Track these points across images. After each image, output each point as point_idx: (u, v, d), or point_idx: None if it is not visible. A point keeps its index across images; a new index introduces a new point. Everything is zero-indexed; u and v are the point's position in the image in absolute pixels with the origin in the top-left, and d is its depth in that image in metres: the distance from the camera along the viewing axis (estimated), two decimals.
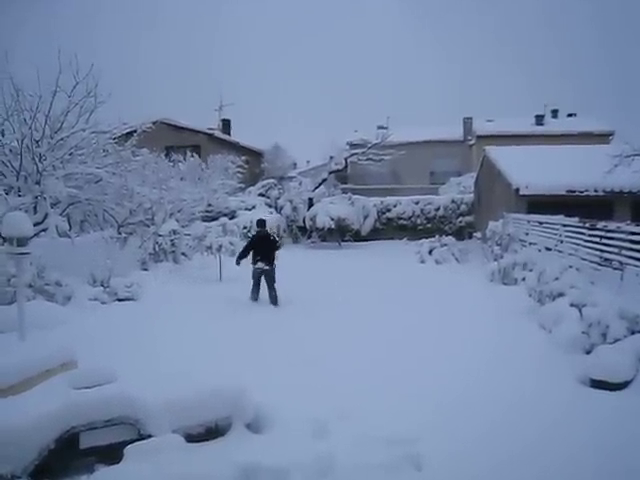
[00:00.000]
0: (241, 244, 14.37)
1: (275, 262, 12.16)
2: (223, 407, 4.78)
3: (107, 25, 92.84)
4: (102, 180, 14.06)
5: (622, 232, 11.27)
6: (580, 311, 7.55)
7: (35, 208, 12.97)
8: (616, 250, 11.29)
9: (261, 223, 12.95)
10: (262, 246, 12.27)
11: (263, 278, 12.02)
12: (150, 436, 4.27)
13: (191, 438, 4.45)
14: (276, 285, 11.95)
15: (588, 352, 6.96)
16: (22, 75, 13.00)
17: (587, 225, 12.83)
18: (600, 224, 12.23)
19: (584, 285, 9.07)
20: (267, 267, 11.98)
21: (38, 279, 10.79)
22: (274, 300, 11.82)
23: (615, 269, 11.14)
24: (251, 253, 12.33)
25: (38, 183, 12.89)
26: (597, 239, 12.17)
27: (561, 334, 7.69)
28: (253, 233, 14.92)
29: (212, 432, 4.71)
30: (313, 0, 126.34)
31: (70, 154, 13.78)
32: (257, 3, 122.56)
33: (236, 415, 4.84)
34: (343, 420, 5.15)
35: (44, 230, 12.57)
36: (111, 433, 4.31)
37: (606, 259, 11.65)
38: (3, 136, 13.16)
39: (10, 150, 12.97)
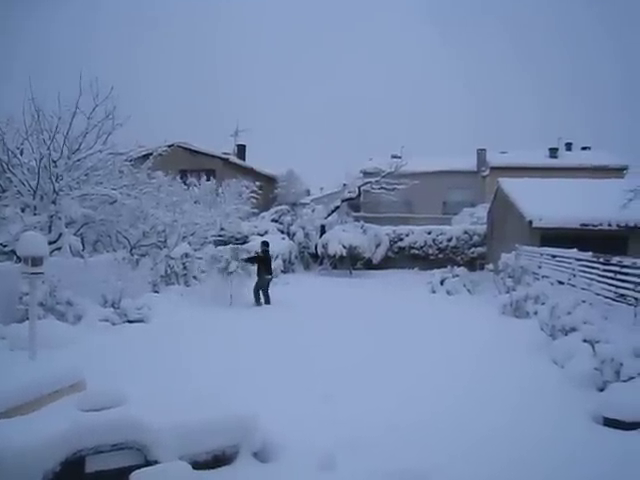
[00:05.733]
0: (253, 268, 16.06)
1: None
2: (231, 435, 4.73)
3: (125, 50, 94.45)
4: (117, 201, 14.18)
5: (638, 268, 11.15)
6: (593, 347, 7.45)
7: (50, 227, 13.08)
8: (631, 286, 11.17)
9: (266, 244, 16.38)
10: (266, 262, 15.81)
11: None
12: (156, 462, 4.21)
13: (198, 465, 4.38)
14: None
15: (601, 389, 6.85)
16: (43, 95, 13.25)
17: (601, 260, 12.72)
18: (615, 259, 12.13)
19: (597, 321, 8.97)
20: (271, 276, 15.90)
21: (50, 298, 10.83)
22: (268, 300, 15.39)
23: (630, 305, 11.01)
24: (257, 268, 15.64)
25: (54, 202, 13.03)
26: (611, 274, 12.06)
27: (573, 370, 7.57)
28: (258, 251, 16.66)
29: (219, 460, 4.64)
30: (329, 29, 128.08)
31: (86, 175, 13.95)
32: (274, 31, 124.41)
33: (244, 443, 4.77)
34: (352, 451, 5.07)
35: (58, 249, 12.66)
36: (117, 458, 4.26)
37: (621, 295, 11.52)
38: (22, 155, 13.34)
39: (28, 169, 13.15)
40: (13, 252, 11.74)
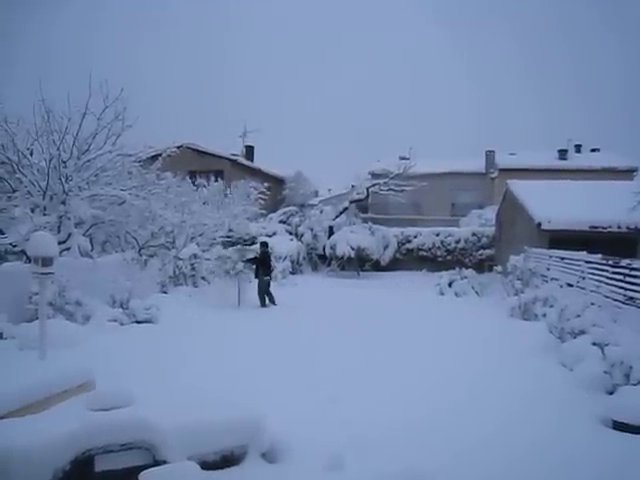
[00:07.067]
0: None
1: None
2: (239, 435, 4.73)
3: (131, 51, 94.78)
4: (126, 202, 14.22)
5: None
6: (602, 350, 7.42)
7: (59, 227, 13.14)
8: None
9: (264, 244, 16.21)
10: (264, 262, 15.58)
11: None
12: (165, 462, 4.22)
13: (206, 465, 4.39)
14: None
15: (610, 392, 6.82)
16: (53, 96, 13.30)
17: (610, 262, 12.66)
18: (624, 262, 12.06)
19: (607, 323, 8.92)
20: (270, 277, 15.63)
21: (59, 298, 10.87)
22: (273, 300, 15.37)
23: (639, 308, 10.94)
24: (255, 269, 15.55)
25: (63, 203, 13.09)
26: (621, 277, 11.99)
27: (582, 373, 7.53)
28: (258, 253, 16.41)
29: (228, 460, 4.64)
30: (336, 31, 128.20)
31: (96, 175, 13.99)
32: (283, 32, 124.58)
33: (252, 444, 4.78)
34: (359, 451, 5.08)
35: (67, 249, 12.70)
36: (126, 457, 4.27)
37: (630, 297, 11.45)
38: (32, 156, 13.40)
39: (38, 170, 13.20)
40: (23, 252, 11.79)
